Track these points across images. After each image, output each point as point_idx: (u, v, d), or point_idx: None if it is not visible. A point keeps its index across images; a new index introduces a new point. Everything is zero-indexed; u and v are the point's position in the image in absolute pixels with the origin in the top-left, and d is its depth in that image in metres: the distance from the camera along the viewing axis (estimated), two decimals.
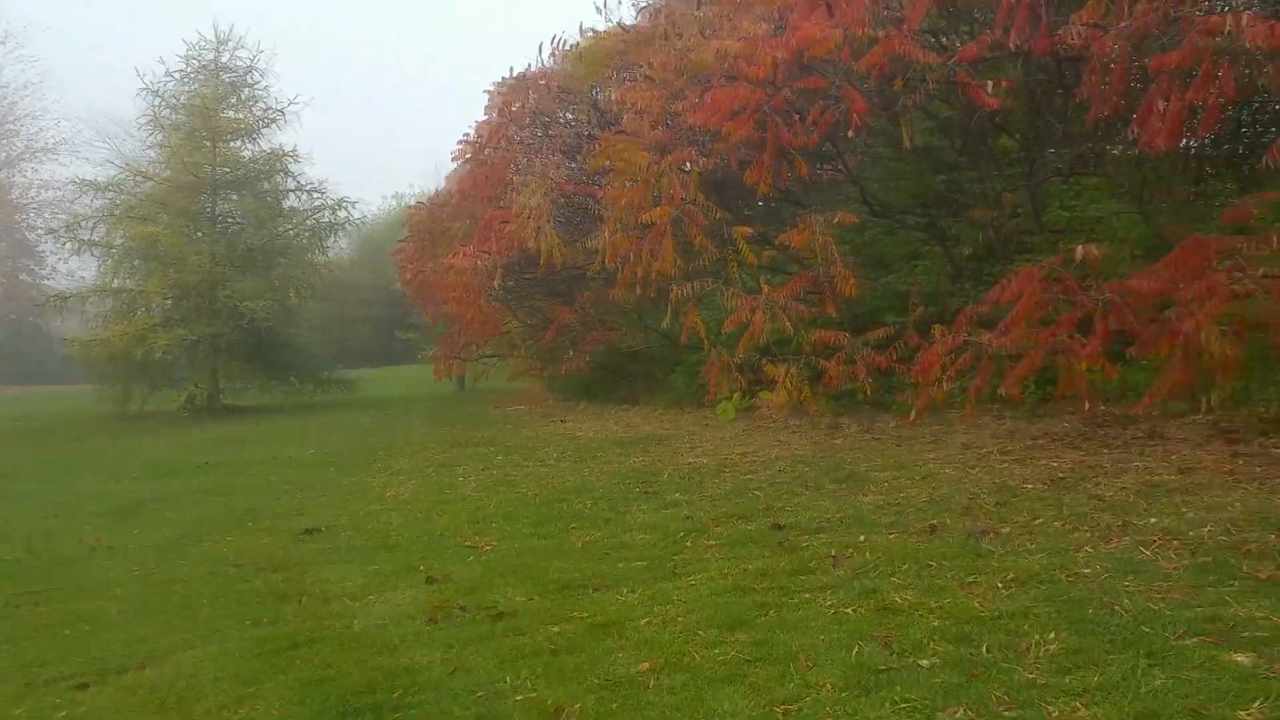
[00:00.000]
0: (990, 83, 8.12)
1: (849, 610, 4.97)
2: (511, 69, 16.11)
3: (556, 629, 5.20)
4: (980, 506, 6.70)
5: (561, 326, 15.10)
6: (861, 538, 6.33)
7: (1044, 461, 7.85)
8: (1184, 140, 8.58)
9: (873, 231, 12.56)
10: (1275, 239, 6.00)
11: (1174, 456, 7.31)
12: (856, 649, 4.35)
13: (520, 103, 15.11)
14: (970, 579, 5.23)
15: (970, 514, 6.56)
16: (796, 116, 9.77)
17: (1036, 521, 6.19)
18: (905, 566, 5.60)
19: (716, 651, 4.55)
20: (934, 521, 6.45)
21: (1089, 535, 5.76)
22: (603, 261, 11.26)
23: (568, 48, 14.53)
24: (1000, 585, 5.07)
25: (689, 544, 6.79)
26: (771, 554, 6.24)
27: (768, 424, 11.54)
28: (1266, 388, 7.20)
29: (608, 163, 10.66)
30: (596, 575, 6.22)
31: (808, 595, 5.31)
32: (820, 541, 6.41)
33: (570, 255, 13.27)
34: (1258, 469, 6.56)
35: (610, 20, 15.76)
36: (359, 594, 6.35)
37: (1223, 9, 5.30)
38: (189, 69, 25.31)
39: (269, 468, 13.22)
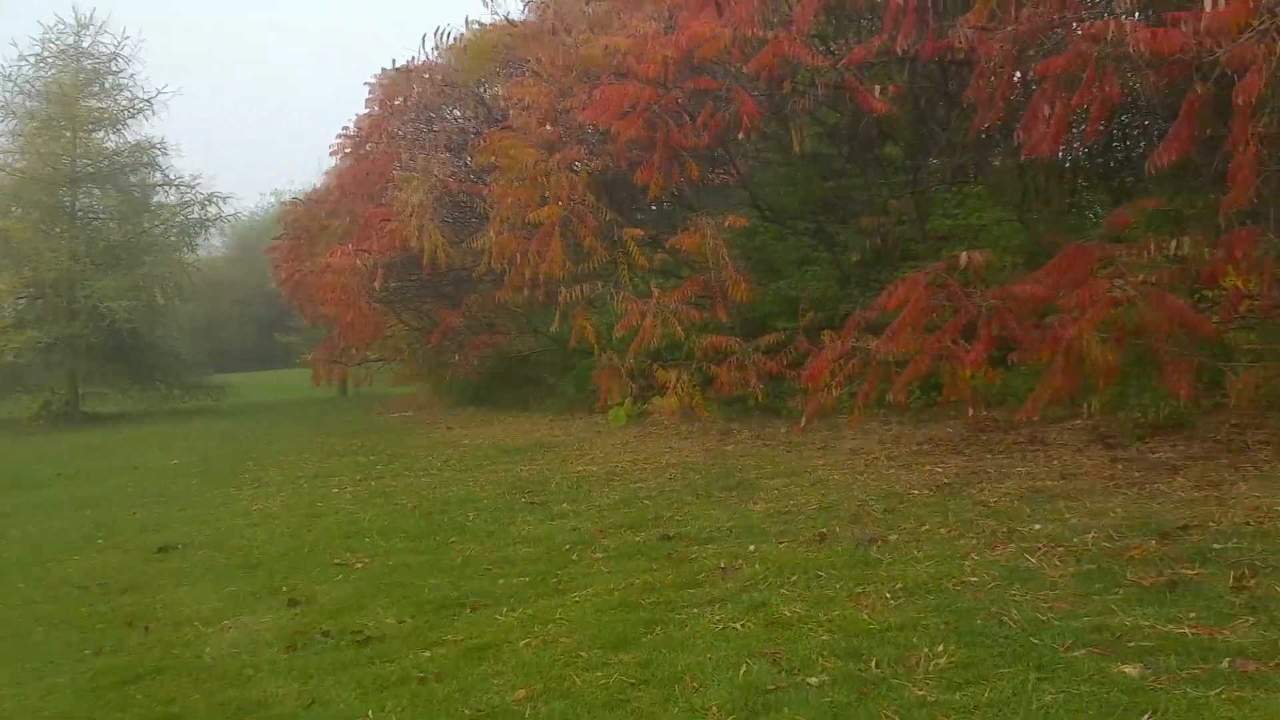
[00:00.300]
0: (878, 87, 8.11)
1: (737, 625, 4.77)
2: (394, 60, 15.53)
3: (428, 654, 4.84)
4: (869, 514, 6.63)
5: (448, 330, 14.58)
6: (751, 548, 6.17)
7: (930, 467, 7.87)
8: (1066, 149, 8.80)
9: (764, 236, 12.53)
10: (1151, 247, 6.11)
11: (1055, 462, 7.41)
12: (744, 667, 4.15)
13: (403, 96, 14.55)
14: (859, 589, 5.10)
15: (859, 521, 6.48)
16: (687, 117, 9.62)
17: (923, 528, 6.14)
18: (795, 577, 5.44)
19: (599, 674, 4.28)
20: (823, 530, 6.34)
21: (975, 542, 5.72)
22: (489, 262, 10.86)
23: (452, 41, 14.06)
24: (889, 595, 4.96)
25: (575, 557, 6.50)
26: (660, 566, 6.01)
27: (659, 430, 11.34)
28: (1143, 393, 7.38)
29: (493, 160, 10.28)
30: (475, 593, 5.87)
31: (696, 610, 5.09)
32: (710, 552, 6.21)
33: (457, 256, 12.81)
34: (1136, 474, 6.68)
35: (496, 14, 15.40)
36: (213, 618, 5.85)
37: (1104, 15, 5.33)
38: (45, 53, 23.65)
39: (127, 478, 12.32)
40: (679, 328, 9.16)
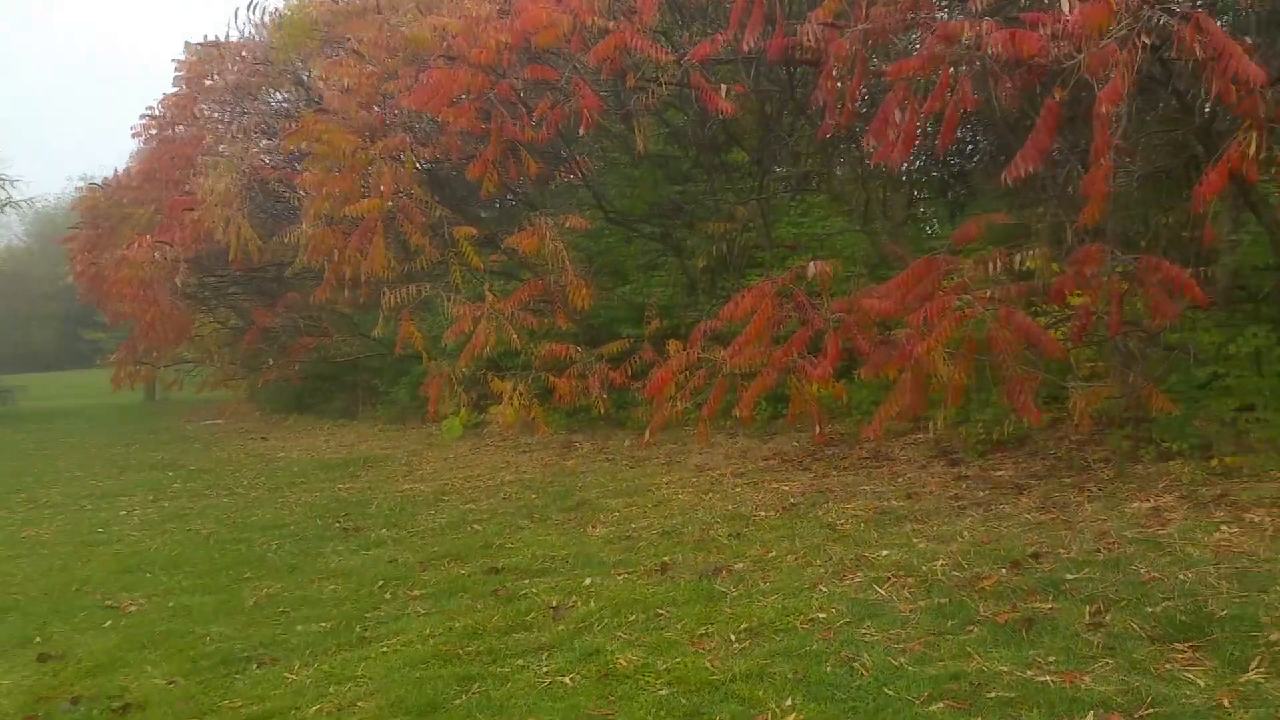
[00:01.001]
0: (725, 87, 7.73)
1: (567, 679, 4.22)
2: (206, 35, 14.12)
3: None
4: (714, 539, 6.19)
5: (263, 331, 13.31)
6: (588, 581, 5.62)
7: (776, 484, 7.55)
8: (916, 157, 8.71)
9: (609, 240, 12.06)
10: (995, 262, 5.94)
11: (901, 479, 7.22)
12: None
13: (216, 75, 13.21)
14: (702, 630, 4.64)
15: (704, 548, 6.03)
16: (525, 109, 8.98)
17: (770, 555, 5.76)
18: (633, 616, 4.94)
19: None
20: (666, 559, 5.86)
21: (823, 571, 5.38)
22: (304, 259, 9.85)
23: (268, 16, 12.87)
24: (734, 637, 4.52)
25: (388, 596, 5.78)
26: (485, 605, 5.38)
27: (497, 443, 10.64)
28: (984, 409, 7.29)
29: (306, 145, 9.30)
30: (265, 644, 5.10)
31: (521, 661, 4.50)
32: (542, 587, 5.63)
33: (273, 250, 11.65)
34: (981, 493, 6.54)
35: None
36: None
37: (960, 15, 5.09)
38: None
39: None
40: (515, 334, 8.50)
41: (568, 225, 9.18)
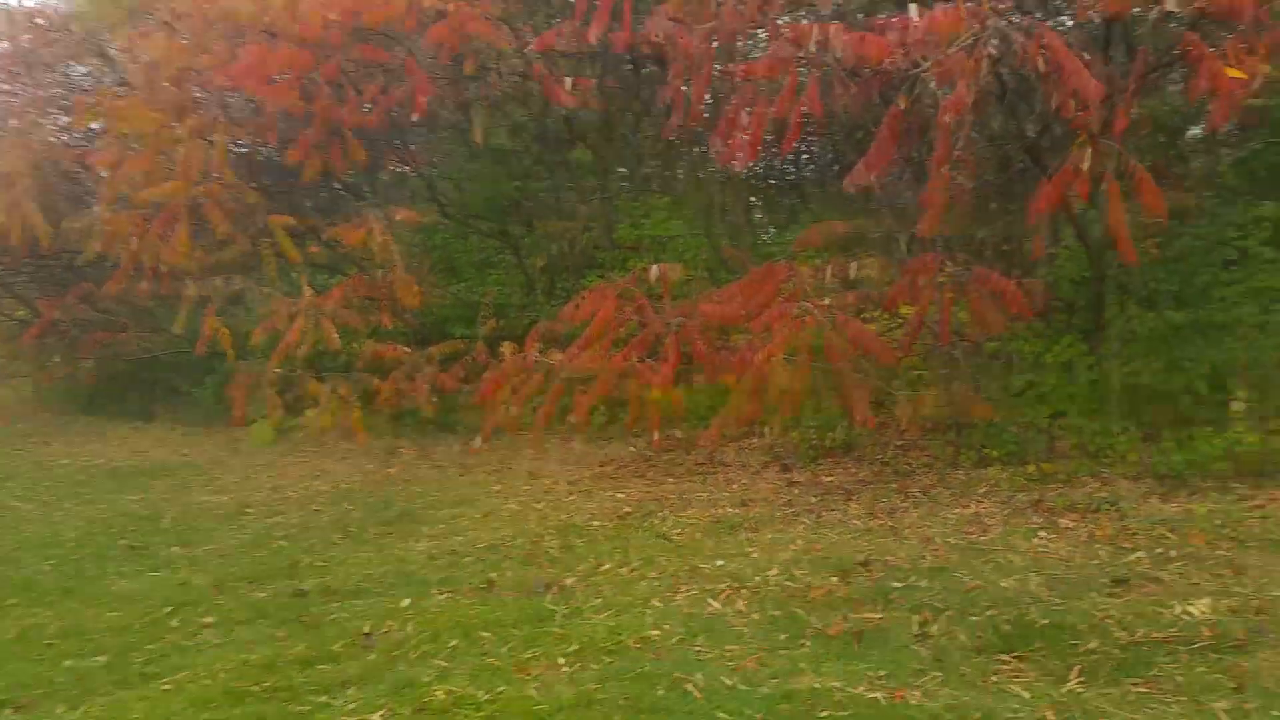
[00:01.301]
0: (569, 80, 7.46)
1: (375, 717, 3.79)
2: None
3: None
4: (544, 553, 5.89)
5: (50, 324, 11.96)
6: (406, 602, 5.19)
7: (610, 492, 7.32)
8: (758, 161, 8.71)
9: (443, 235, 11.51)
10: (831, 270, 5.95)
11: (735, 485, 7.14)
12: None
13: (5, 42, 11.78)
14: (529, 654, 4.33)
15: (533, 562, 5.72)
16: (353, 91, 8.41)
17: (603, 568, 5.52)
18: (455, 641, 4.57)
19: None
20: (492, 575, 5.51)
21: (657, 584, 5.18)
22: (98, 246, 8.86)
23: None
24: (563, 660, 4.24)
25: (175, 624, 5.15)
26: (287, 633, 4.86)
27: (312, 450, 9.89)
28: (816, 414, 7.33)
29: (103, 122, 8.36)
30: (26, 684, 4.41)
31: (324, 698, 4.05)
32: (354, 610, 5.16)
33: (65, 237, 10.46)
34: (812, 499, 6.53)
35: None
36: None
37: (810, 17, 5.02)
38: None
39: None
40: (334, 334, 7.91)
41: (398, 218, 8.65)
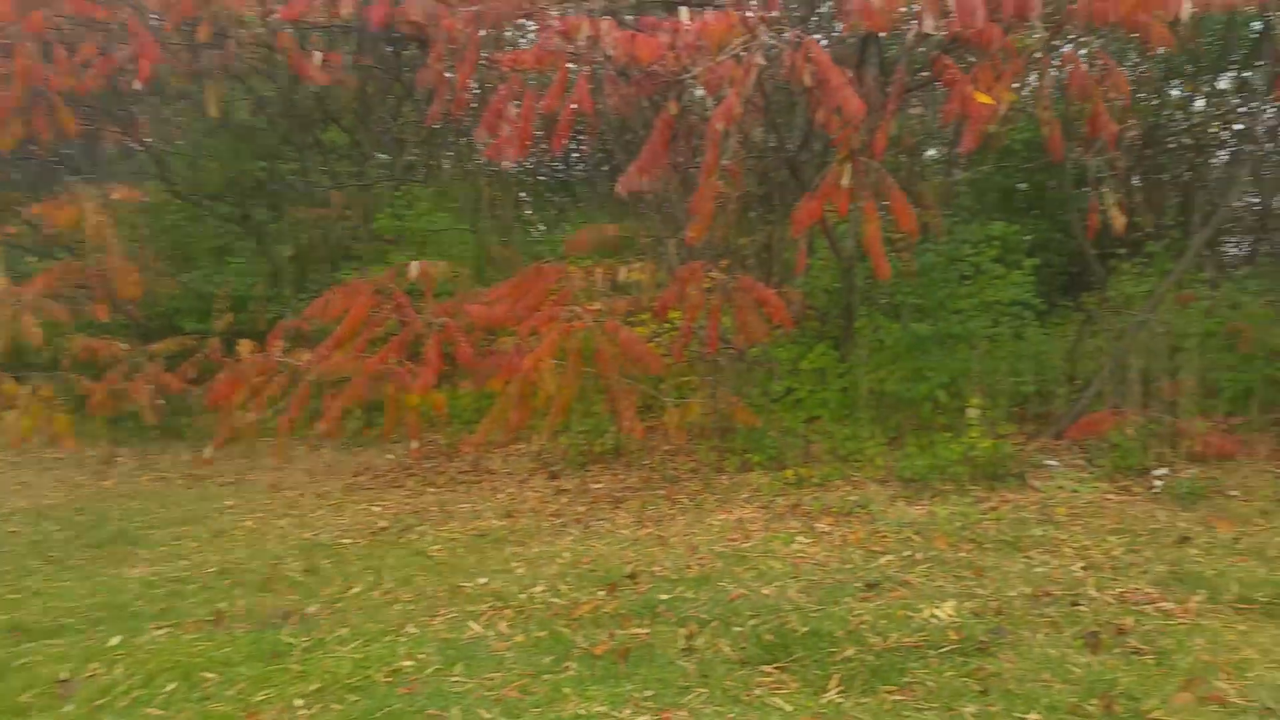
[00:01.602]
0: (319, 55, 6.84)
1: None
2: None
3: None
4: (284, 577, 5.31)
5: None
6: (115, 640, 4.47)
7: (365, 505, 6.80)
8: (529, 157, 8.43)
9: (174, 217, 10.35)
10: (599, 273, 5.81)
11: (501, 495, 6.84)
12: None
13: None
14: (260, 696, 3.83)
15: (271, 589, 5.14)
16: (67, 51, 7.30)
17: (352, 592, 5.05)
18: (171, 686, 3.97)
19: None
20: (221, 605, 4.88)
21: (413, 607, 4.80)
22: None
23: None
24: (300, 702, 3.78)
25: None
26: None
27: (11, 460, 8.56)
28: (585, 420, 7.18)
29: None
30: None
31: None
32: (50, 652, 4.40)
33: None
34: (580, 508, 6.36)
35: None
36: None
37: (578, 10, 4.81)
38: None
39: None
40: (34, 327, 6.82)
41: (116, 196, 7.61)
